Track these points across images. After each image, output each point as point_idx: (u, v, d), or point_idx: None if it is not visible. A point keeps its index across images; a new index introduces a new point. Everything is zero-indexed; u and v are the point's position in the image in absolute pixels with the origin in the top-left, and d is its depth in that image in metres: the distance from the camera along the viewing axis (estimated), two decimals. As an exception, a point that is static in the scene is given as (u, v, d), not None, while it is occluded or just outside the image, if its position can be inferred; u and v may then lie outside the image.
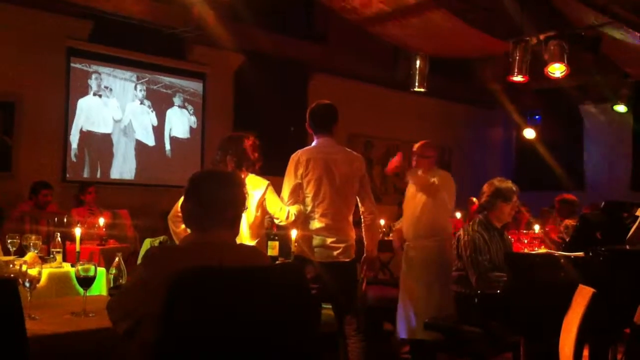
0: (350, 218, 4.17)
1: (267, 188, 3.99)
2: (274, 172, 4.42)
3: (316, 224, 4.06)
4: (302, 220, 4.06)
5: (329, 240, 4.04)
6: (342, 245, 4.05)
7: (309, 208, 4.08)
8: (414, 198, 4.96)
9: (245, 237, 3.90)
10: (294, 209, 4.03)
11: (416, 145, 5.02)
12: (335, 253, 4.04)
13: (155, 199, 7.85)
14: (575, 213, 6.87)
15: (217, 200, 2.29)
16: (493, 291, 3.98)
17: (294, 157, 4.13)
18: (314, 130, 4.18)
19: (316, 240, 4.06)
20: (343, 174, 4.08)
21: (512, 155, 13.65)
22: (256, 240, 3.96)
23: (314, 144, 4.20)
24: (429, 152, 4.96)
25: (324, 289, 3.97)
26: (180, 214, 3.68)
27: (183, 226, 3.81)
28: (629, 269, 3.68)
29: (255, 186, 3.94)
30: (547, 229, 7.40)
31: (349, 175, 4.10)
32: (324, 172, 4.05)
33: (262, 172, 4.08)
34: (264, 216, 4.08)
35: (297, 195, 4.08)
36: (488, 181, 4.60)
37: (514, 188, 4.42)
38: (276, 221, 4.15)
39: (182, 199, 3.54)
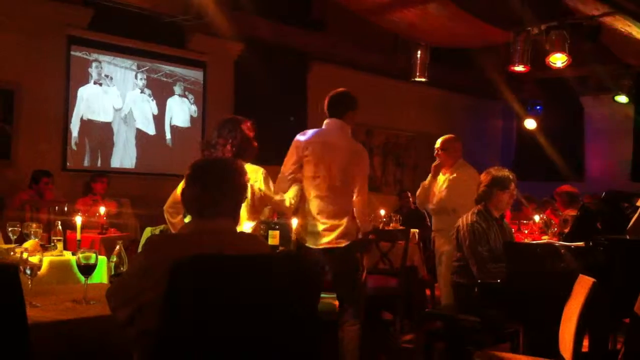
0: (350, 203, 4.13)
1: (263, 176, 3.84)
2: (273, 161, 4.38)
3: (311, 207, 4.06)
4: (302, 204, 4.05)
5: (321, 226, 4.03)
6: (335, 231, 4.02)
7: (305, 191, 4.08)
8: None
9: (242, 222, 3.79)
10: (291, 193, 4.00)
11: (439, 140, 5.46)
12: (327, 239, 4.02)
13: (155, 188, 7.81)
14: (575, 204, 6.85)
15: (219, 188, 2.29)
16: (493, 281, 3.99)
17: (297, 137, 4.15)
18: (328, 115, 4.20)
19: (310, 226, 4.06)
20: (341, 159, 4.06)
21: (513, 146, 13.60)
22: (253, 224, 3.84)
23: (322, 127, 4.22)
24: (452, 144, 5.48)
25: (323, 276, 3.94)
26: (176, 205, 3.70)
27: (180, 217, 3.78)
28: (629, 258, 3.68)
29: (252, 174, 3.76)
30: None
31: (347, 162, 4.08)
32: (322, 155, 4.05)
33: (261, 161, 3.97)
34: (262, 204, 3.96)
35: (296, 174, 4.09)
36: (485, 170, 4.60)
37: (511, 176, 4.42)
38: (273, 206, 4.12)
39: (177, 190, 3.57)
